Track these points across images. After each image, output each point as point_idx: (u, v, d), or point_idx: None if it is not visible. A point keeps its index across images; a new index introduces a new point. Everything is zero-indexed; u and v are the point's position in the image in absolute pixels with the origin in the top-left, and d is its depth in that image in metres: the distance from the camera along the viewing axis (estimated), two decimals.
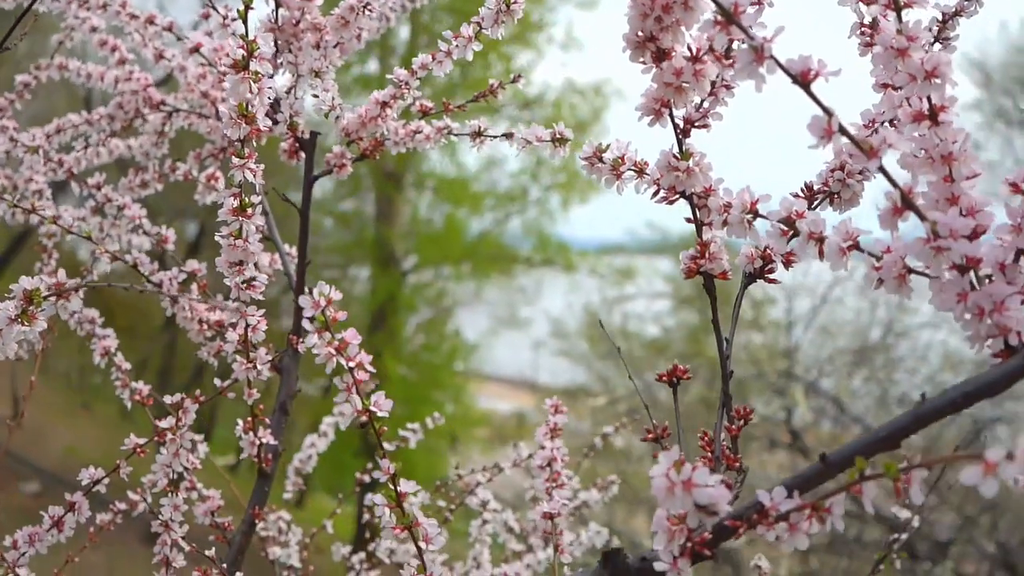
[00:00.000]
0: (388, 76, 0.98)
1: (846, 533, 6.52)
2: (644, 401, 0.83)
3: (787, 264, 0.70)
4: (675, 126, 0.64)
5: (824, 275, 7.54)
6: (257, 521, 1.04)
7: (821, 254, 0.60)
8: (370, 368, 0.66)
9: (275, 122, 1.00)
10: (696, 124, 0.65)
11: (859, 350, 6.73)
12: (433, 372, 11.19)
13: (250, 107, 0.74)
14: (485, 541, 1.33)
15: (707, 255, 0.66)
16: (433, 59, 0.95)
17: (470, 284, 12.46)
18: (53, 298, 0.71)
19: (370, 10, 0.96)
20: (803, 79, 0.53)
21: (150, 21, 1.14)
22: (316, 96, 0.96)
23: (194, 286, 1.08)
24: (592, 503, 1.48)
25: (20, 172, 1.35)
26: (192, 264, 1.10)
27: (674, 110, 0.64)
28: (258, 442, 1.01)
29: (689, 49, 0.60)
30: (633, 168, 0.67)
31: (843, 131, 0.53)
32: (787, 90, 0.54)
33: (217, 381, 0.98)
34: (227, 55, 0.84)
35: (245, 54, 0.73)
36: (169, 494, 0.97)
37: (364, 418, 0.66)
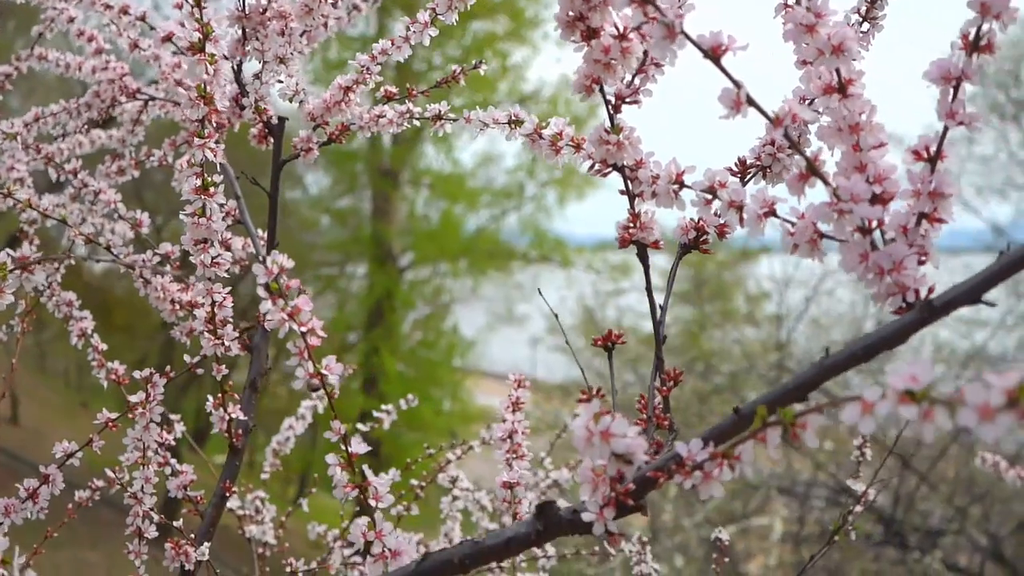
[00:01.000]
0: (350, 61, 1.01)
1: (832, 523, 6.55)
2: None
3: (721, 235, 0.73)
4: (606, 102, 0.68)
5: (816, 268, 7.59)
6: (228, 494, 1.07)
7: (741, 221, 0.64)
8: (321, 333, 0.69)
9: (242, 107, 1.04)
10: (627, 100, 0.68)
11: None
12: (431, 369, 11.23)
13: (208, 88, 0.78)
14: (456, 517, 1.36)
15: (639, 225, 0.70)
16: (392, 44, 0.99)
17: (467, 280, 12.49)
18: (18, 271, 0.74)
19: None
20: (714, 53, 0.57)
21: (124, 11, 1.17)
22: (281, 82, 1.00)
23: (167, 268, 1.11)
24: (563, 481, 1.51)
25: (2, 161, 1.38)
26: (165, 246, 1.13)
27: (605, 87, 0.67)
28: (228, 417, 1.04)
29: (616, 28, 0.64)
30: (570, 143, 0.70)
31: (751, 102, 0.56)
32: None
33: (188, 358, 1.01)
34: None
35: (201, 37, 0.77)
36: (141, 467, 1.00)
37: (316, 381, 0.69)
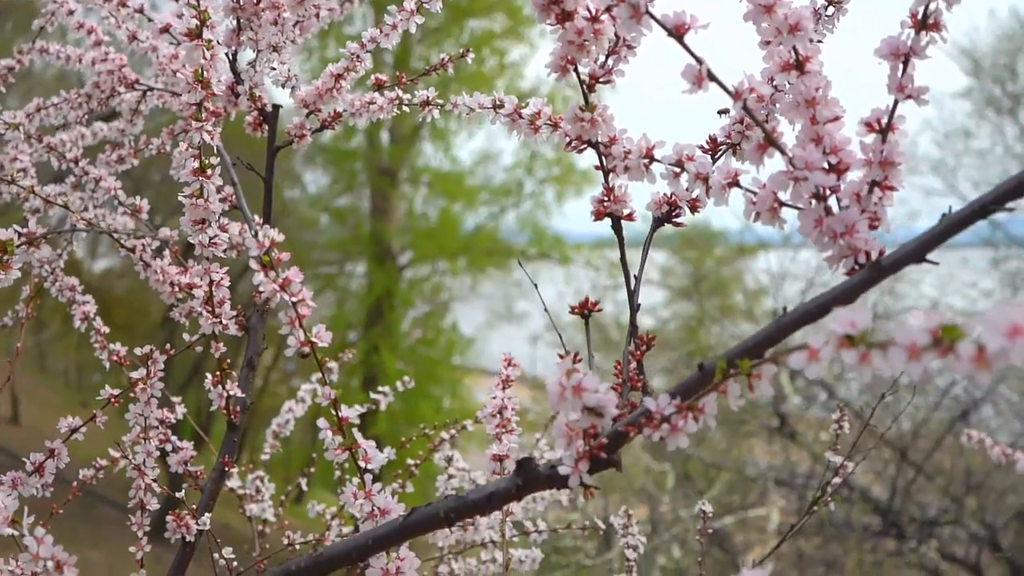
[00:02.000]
0: (340, 50, 1.05)
1: (834, 518, 6.61)
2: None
3: (693, 209, 0.77)
4: (581, 82, 0.72)
5: (811, 262, 7.62)
6: (227, 469, 1.11)
7: (708, 192, 0.68)
8: (311, 303, 0.73)
9: (237, 96, 1.07)
10: (600, 80, 0.72)
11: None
12: (430, 366, 11.26)
13: (205, 72, 0.82)
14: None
15: (613, 198, 0.73)
16: (381, 32, 1.03)
17: (466, 278, 12.54)
18: (24, 246, 0.78)
19: None
20: (677, 32, 0.61)
21: (122, 4, 1.21)
22: (274, 68, 1.04)
23: (166, 252, 1.15)
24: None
25: (4, 152, 1.42)
26: (164, 231, 1.17)
27: (579, 67, 0.71)
28: (226, 395, 1.08)
29: (588, 10, 0.67)
30: (548, 122, 0.74)
31: (712, 77, 0.60)
32: None
33: (187, 336, 1.05)
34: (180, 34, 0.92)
35: (198, 23, 0.80)
36: (143, 441, 1.04)
37: (306, 348, 0.73)
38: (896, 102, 0.62)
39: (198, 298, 1.02)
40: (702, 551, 1.34)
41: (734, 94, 0.61)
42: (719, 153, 0.79)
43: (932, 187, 9.05)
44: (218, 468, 1.11)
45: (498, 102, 0.93)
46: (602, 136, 0.72)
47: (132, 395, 1.06)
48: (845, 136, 0.63)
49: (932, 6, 0.61)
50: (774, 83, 0.70)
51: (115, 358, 1.18)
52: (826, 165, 0.62)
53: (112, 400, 1.02)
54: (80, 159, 1.26)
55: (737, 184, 0.66)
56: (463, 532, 1.26)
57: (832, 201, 0.62)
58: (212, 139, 0.85)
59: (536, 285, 1.10)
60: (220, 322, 1.01)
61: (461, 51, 1.13)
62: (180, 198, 0.91)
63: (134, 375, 1.00)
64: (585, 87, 0.72)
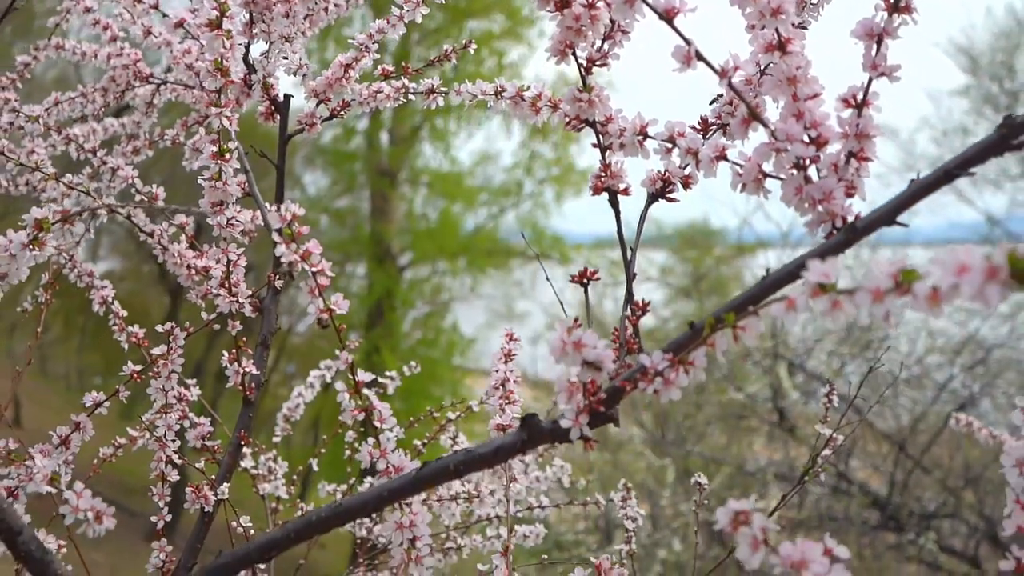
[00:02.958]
0: (350, 40, 1.10)
1: (833, 512, 6.66)
2: None
3: (685, 185, 0.82)
4: (579, 64, 0.77)
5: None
6: (243, 443, 1.16)
7: (698, 165, 0.73)
8: (330, 273, 0.78)
9: (250, 87, 1.12)
10: (597, 63, 0.77)
11: (846, 327, 6.87)
12: (431, 367, 11.30)
13: (224, 61, 0.87)
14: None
15: (610, 173, 0.78)
16: (388, 23, 1.08)
17: (466, 279, 12.58)
18: (59, 224, 0.83)
19: None
20: (667, 15, 0.66)
21: (137, 0, 1.26)
22: (286, 58, 1.09)
23: (183, 237, 1.20)
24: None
25: (23, 145, 1.47)
26: (180, 217, 1.22)
27: (577, 51, 0.76)
28: (242, 372, 1.13)
29: None
30: (548, 104, 0.79)
31: (699, 56, 0.65)
32: None
33: (204, 315, 1.10)
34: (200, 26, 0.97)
35: (219, 14, 0.85)
36: (163, 415, 1.09)
37: (325, 316, 0.78)
38: (870, 79, 0.67)
39: (215, 279, 1.07)
40: (698, 522, 1.39)
41: (720, 72, 0.66)
42: (710, 133, 0.84)
43: None
44: (234, 442, 1.16)
45: (500, 88, 0.98)
46: (599, 115, 0.77)
47: (152, 373, 1.11)
48: (824, 111, 0.68)
49: None
50: (761, 66, 0.75)
51: (134, 339, 1.23)
52: (806, 138, 0.67)
53: (134, 376, 1.07)
54: (98, 150, 1.31)
55: (724, 158, 0.71)
56: (468, 504, 1.31)
57: (812, 171, 0.67)
58: (231, 124, 0.90)
59: (550, 280, 1.15)
60: (237, 301, 1.06)
61: (464, 43, 1.18)
62: (200, 181, 0.96)
63: (155, 351, 1.05)
64: (583, 70, 0.77)
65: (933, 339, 7.82)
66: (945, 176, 0.60)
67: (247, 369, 1.14)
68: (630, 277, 0.80)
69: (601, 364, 0.65)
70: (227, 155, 0.92)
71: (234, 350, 1.13)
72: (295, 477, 1.53)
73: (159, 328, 1.06)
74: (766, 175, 0.69)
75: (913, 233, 9.07)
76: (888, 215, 0.62)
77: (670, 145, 0.74)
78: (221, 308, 1.08)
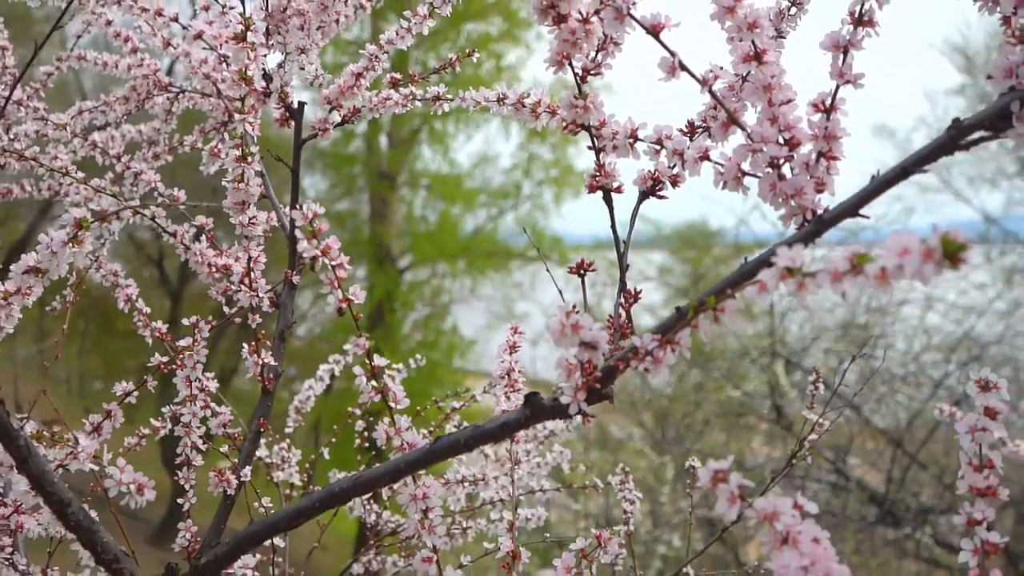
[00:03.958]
0: (360, 51, 1.17)
1: (830, 506, 6.72)
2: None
3: (674, 184, 0.89)
4: (575, 74, 0.84)
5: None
6: (262, 431, 1.23)
7: (683, 166, 0.80)
8: (348, 267, 0.85)
9: (268, 94, 1.20)
10: (591, 72, 0.84)
11: (843, 326, 6.94)
12: (432, 369, 11.36)
13: (248, 71, 0.94)
14: (462, 459, 1.52)
15: (604, 173, 0.86)
16: (396, 34, 1.15)
17: (466, 280, 12.65)
18: (98, 223, 0.90)
19: None
20: (654, 30, 0.73)
21: (159, 13, 1.34)
22: (303, 68, 1.16)
23: (203, 237, 1.28)
24: (558, 431, 1.67)
25: (46, 151, 1.55)
26: (200, 219, 1.29)
27: (573, 62, 0.83)
28: (261, 363, 1.20)
29: (580, 13, 0.80)
30: (547, 110, 0.86)
31: (683, 67, 0.73)
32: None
33: (226, 309, 1.17)
34: (226, 38, 1.04)
35: (244, 28, 0.93)
36: (189, 403, 1.16)
37: (343, 305, 0.86)
38: (837, 87, 0.74)
39: (237, 273, 1.14)
40: (692, 505, 1.46)
41: (701, 81, 0.73)
42: (695, 135, 0.91)
43: (927, 183, 9.18)
44: (254, 429, 1.24)
45: (502, 95, 1.05)
46: (593, 120, 0.84)
47: (178, 364, 1.18)
48: (797, 115, 0.76)
49: (866, 5, 0.74)
50: (742, 75, 0.82)
51: (157, 334, 1.31)
52: (781, 140, 0.74)
53: (162, 366, 1.14)
54: (122, 155, 1.39)
55: (707, 158, 0.79)
56: (474, 487, 1.38)
57: (786, 169, 0.75)
58: (254, 129, 0.98)
59: (553, 278, 1.21)
60: (256, 295, 1.14)
61: (467, 50, 1.25)
62: (223, 183, 1.03)
63: (181, 343, 1.13)
64: (578, 78, 0.84)
65: (929, 337, 7.89)
66: (902, 172, 0.68)
67: (266, 360, 1.21)
68: (623, 268, 0.87)
69: (597, 344, 0.72)
70: (249, 158, 1.00)
71: (254, 343, 1.20)
72: (308, 465, 1.60)
73: (174, 324, 1.13)
74: (745, 173, 0.77)
75: (908, 229, 9.11)
76: (852, 208, 0.69)
77: (658, 147, 0.82)
78: (241, 302, 1.15)
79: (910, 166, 0.68)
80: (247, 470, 1.15)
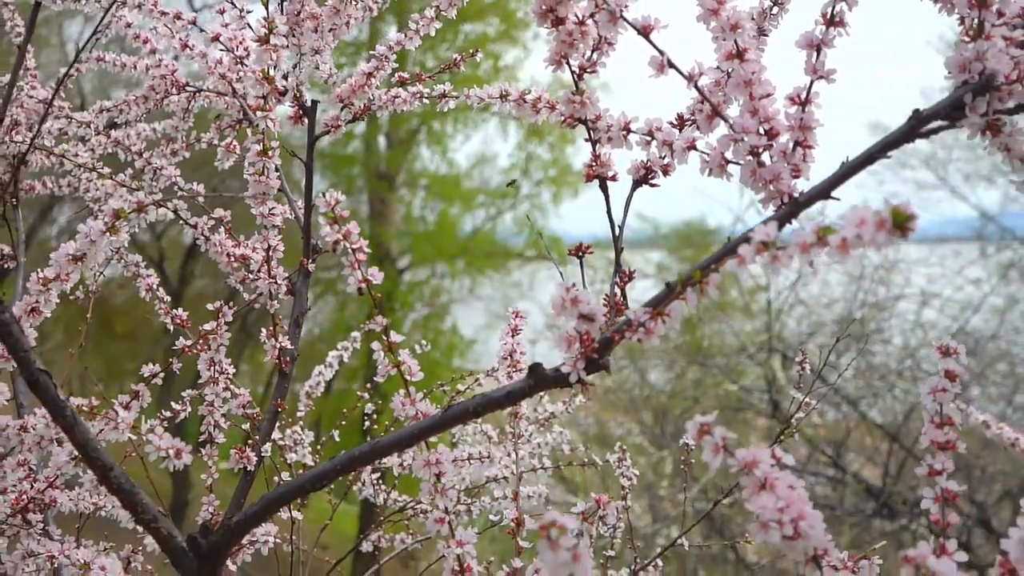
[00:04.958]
0: (370, 52, 1.25)
1: (829, 499, 6.80)
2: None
3: (664, 172, 0.97)
4: (572, 72, 0.91)
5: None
6: (279, 411, 1.31)
7: (672, 155, 0.88)
8: (367, 250, 0.93)
9: (282, 93, 1.27)
10: (587, 70, 0.92)
11: (839, 321, 7.03)
12: (431, 368, 11.43)
13: (270, 71, 1.01)
14: (466, 441, 1.60)
15: (599, 163, 0.93)
16: (405, 36, 1.23)
17: (465, 280, 12.72)
18: (135, 213, 0.97)
19: (355, 0, 1.23)
20: (645, 31, 0.80)
21: (178, 16, 1.41)
22: (318, 68, 1.23)
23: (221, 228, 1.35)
24: (558, 413, 1.75)
25: (67, 149, 1.62)
26: (219, 211, 1.36)
27: (570, 61, 0.90)
28: (278, 346, 1.28)
29: (576, 16, 0.87)
30: (547, 105, 0.94)
31: (671, 64, 0.80)
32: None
33: (246, 295, 1.25)
34: (240, 41, 1.12)
35: (267, 31, 1.00)
36: (212, 384, 1.23)
37: (363, 285, 0.93)
38: (812, 82, 0.82)
39: (255, 264, 1.21)
40: (684, 478, 1.53)
41: (688, 77, 0.80)
42: (684, 128, 0.98)
43: (924, 180, 9.27)
44: (271, 409, 1.31)
45: (504, 91, 1.13)
46: (590, 114, 0.92)
47: (200, 348, 1.26)
48: (776, 108, 0.83)
49: (838, 7, 0.81)
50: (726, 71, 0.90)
51: (178, 322, 1.38)
52: (760, 130, 0.82)
53: (186, 349, 1.22)
54: (143, 151, 1.46)
55: (694, 147, 0.86)
56: (480, 463, 1.45)
57: (765, 157, 0.82)
58: (275, 125, 1.05)
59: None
60: (275, 282, 1.21)
61: (471, 51, 1.33)
62: (245, 176, 1.10)
63: (205, 327, 1.20)
64: (575, 76, 0.92)
65: (925, 332, 7.98)
66: (868, 158, 0.75)
67: (283, 344, 1.28)
68: (618, 250, 0.95)
69: (593, 316, 0.80)
70: (270, 152, 1.07)
71: (271, 327, 1.27)
72: (319, 447, 1.68)
73: (209, 306, 1.21)
74: (728, 161, 0.84)
75: None
76: (823, 191, 0.77)
77: (649, 138, 0.89)
78: (261, 289, 1.22)
79: (876, 152, 0.75)
80: (267, 446, 1.22)
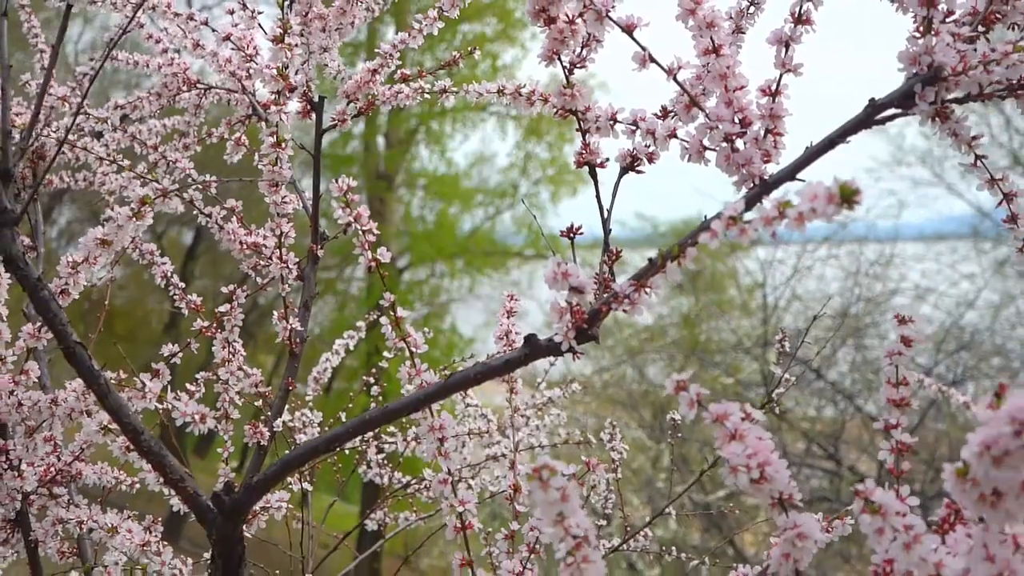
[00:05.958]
0: (375, 50, 1.33)
1: (825, 492, 6.88)
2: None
3: (650, 160, 1.04)
4: (563, 66, 0.99)
5: (796, 249, 7.92)
6: (290, 389, 1.39)
7: (655, 143, 0.95)
8: (376, 231, 1.00)
9: (292, 89, 1.35)
10: (577, 65, 1.00)
11: (835, 316, 7.11)
12: (431, 368, 11.47)
13: (284, 68, 1.09)
14: (466, 423, 1.68)
15: (589, 151, 1.01)
16: (409, 35, 1.30)
17: (464, 280, 12.80)
18: (160, 199, 1.05)
19: (361, 1, 1.31)
20: (628, 28, 0.88)
21: (190, 18, 1.49)
22: (327, 66, 1.31)
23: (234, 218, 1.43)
24: (555, 398, 1.83)
25: (84, 144, 1.69)
26: (231, 202, 1.44)
27: (561, 56, 0.98)
28: (289, 328, 1.35)
29: (567, 15, 0.95)
30: (540, 98, 1.02)
31: (652, 59, 0.88)
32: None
33: (259, 279, 1.32)
34: (249, 41, 1.20)
35: (282, 31, 1.08)
36: (226, 364, 1.31)
37: (372, 264, 1.01)
38: (780, 75, 0.90)
39: (267, 250, 1.29)
40: (673, 454, 1.61)
41: (667, 71, 0.88)
42: (667, 118, 1.06)
43: (920, 177, 9.35)
44: (283, 388, 1.39)
45: (501, 87, 1.21)
46: (580, 106, 1.00)
47: (213, 330, 1.33)
48: (749, 99, 0.91)
49: (805, 7, 0.89)
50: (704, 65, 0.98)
51: (193, 306, 1.46)
52: (735, 119, 0.90)
53: (203, 331, 1.30)
54: (158, 145, 1.54)
55: (675, 136, 0.94)
56: (480, 439, 1.53)
57: (740, 143, 0.90)
58: (288, 119, 1.13)
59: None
60: (287, 267, 1.29)
61: (469, 49, 1.41)
62: (259, 166, 1.18)
63: (220, 310, 1.28)
64: (566, 71, 0.99)
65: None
66: (829, 143, 0.83)
67: (294, 326, 1.36)
68: (607, 232, 1.03)
69: (583, 288, 0.87)
70: (283, 144, 1.15)
71: (283, 309, 1.35)
72: (327, 428, 1.75)
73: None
74: (705, 148, 0.92)
75: (903, 227, 9.28)
76: (790, 173, 0.85)
77: (634, 127, 0.97)
78: (273, 273, 1.30)
79: (836, 138, 0.83)
80: (279, 421, 1.30)
